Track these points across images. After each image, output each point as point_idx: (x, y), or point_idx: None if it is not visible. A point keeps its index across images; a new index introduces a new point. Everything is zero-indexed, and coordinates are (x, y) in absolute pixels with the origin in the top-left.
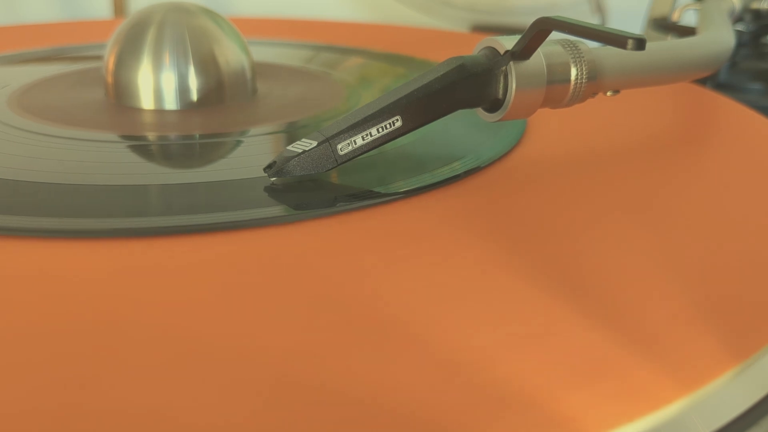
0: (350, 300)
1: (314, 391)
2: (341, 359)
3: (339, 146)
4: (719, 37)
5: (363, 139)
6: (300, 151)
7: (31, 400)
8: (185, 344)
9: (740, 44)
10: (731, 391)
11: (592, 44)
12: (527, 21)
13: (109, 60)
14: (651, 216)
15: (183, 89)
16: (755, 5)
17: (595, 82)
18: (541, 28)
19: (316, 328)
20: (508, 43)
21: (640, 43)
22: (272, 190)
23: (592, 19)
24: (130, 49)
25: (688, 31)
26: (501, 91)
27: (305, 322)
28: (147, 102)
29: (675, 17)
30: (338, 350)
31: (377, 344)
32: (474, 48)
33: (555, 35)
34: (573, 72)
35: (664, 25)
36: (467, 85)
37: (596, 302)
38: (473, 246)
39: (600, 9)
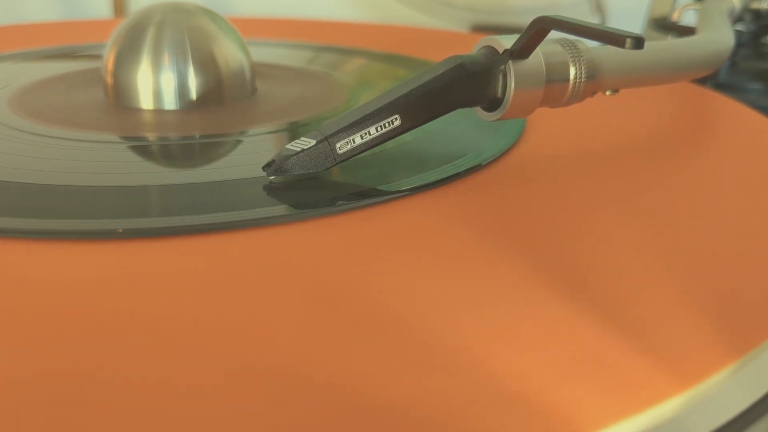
0: (351, 299)
1: (314, 391)
2: (342, 359)
3: (338, 145)
4: (718, 37)
5: (362, 137)
6: (299, 149)
7: (29, 400)
8: (185, 344)
9: (740, 44)
10: (730, 387)
11: (591, 44)
12: (527, 21)
13: (109, 60)
14: (650, 214)
15: (182, 89)
16: (755, 5)
17: (594, 81)
18: (540, 27)
19: (317, 327)
20: (506, 42)
21: (638, 42)
22: (271, 189)
23: (592, 19)
24: (129, 49)
25: (687, 31)
26: (500, 90)
27: (305, 321)
28: (146, 102)
29: (675, 17)
30: (339, 350)
31: (377, 343)
32: (473, 47)
33: (554, 34)
34: (572, 71)
35: (664, 25)
36: (466, 84)
37: (595, 299)
38: (473, 243)
39: (600, 9)
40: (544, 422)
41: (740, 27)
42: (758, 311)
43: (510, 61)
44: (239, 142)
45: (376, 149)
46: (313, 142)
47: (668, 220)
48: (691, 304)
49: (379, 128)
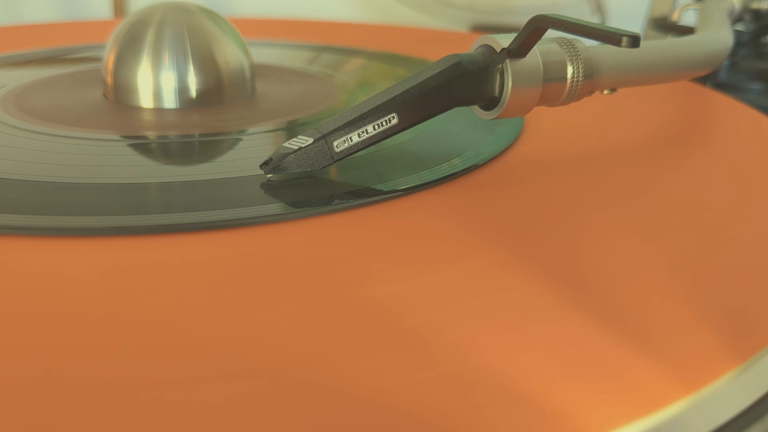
0: (348, 298)
1: (311, 390)
2: (338, 357)
3: (335, 143)
4: (717, 36)
5: (359, 136)
6: (296, 147)
7: (29, 399)
8: (183, 342)
9: (740, 44)
10: (731, 390)
11: (589, 43)
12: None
13: (109, 60)
14: (650, 214)
15: (182, 89)
16: (755, 5)
17: (592, 80)
18: (537, 26)
19: (314, 325)
20: (504, 41)
21: (634, 41)
22: (269, 187)
23: (592, 20)
24: (129, 48)
25: (687, 31)
26: (497, 89)
27: (302, 319)
28: (146, 101)
29: (675, 17)
30: (335, 348)
31: (375, 342)
32: (471, 46)
33: (552, 33)
34: (569, 70)
35: (664, 25)
36: (463, 82)
37: (596, 301)
38: (471, 243)
39: (600, 9)
40: (546, 425)
41: (740, 27)
42: (761, 314)
43: (507, 60)
44: (238, 140)
45: (373, 148)
46: (311, 140)
47: (669, 220)
48: (693, 306)
49: (376, 126)
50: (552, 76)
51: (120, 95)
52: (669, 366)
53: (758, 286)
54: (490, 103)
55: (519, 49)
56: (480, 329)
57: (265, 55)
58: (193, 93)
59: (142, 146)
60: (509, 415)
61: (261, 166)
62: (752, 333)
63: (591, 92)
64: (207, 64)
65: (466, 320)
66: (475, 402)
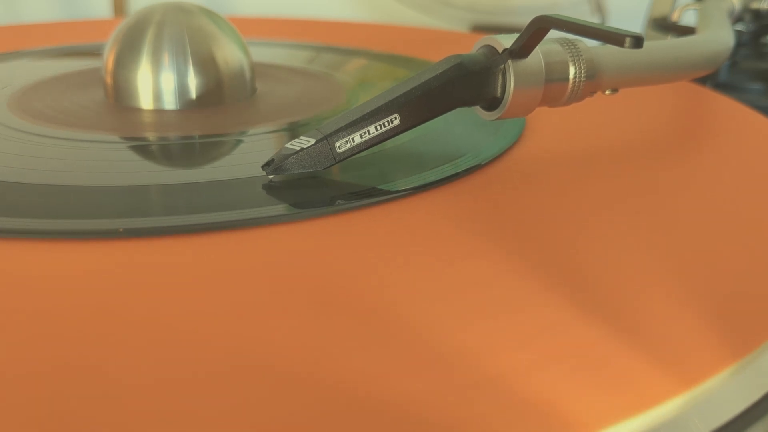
0: (351, 298)
1: (314, 390)
2: (342, 358)
3: (337, 144)
4: (718, 37)
5: (361, 137)
6: (298, 148)
7: (29, 401)
8: (185, 344)
9: (740, 44)
10: (730, 388)
11: (591, 43)
12: (527, 21)
13: (108, 60)
14: (650, 214)
15: (182, 89)
16: (755, 5)
17: (594, 80)
18: (539, 27)
19: (316, 326)
20: (506, 41)
21: (637, 41)
22: (271, 188)
23: (592, 19)
24: (129, 49)
25: (687, 31)
26: (499, 90)
27: (305, 320)
28: (146, 102)
29: (675, 17)
30: (338, 349)
31: (377, 342)
32: (472, 46)
33: (554, 34)
34: (571, 70)
35: (664, 25)
36: (465, 83)
37: (595, 299)
38: (473, 243)
39: (600, 9)
40: (544, 423)
41: (740, 27)
42: (759, 311)
43: (509, 61)
44: (239, 141)
45: (376, 148)
46: (313, 141)
47: (668, 220)
48: (691, 304)
49: (378, 127)
50: (554, 76)
51: (120, 96)
52: (667, 363)
53: (757, 285)
54: (492, 103)
55: (521, 50)
56: (482, 329)
57: (265, 54)
58: (193, 94)
59: (142, 148)
60: (506, 413)
61: (263, 167)
62: (751, 330)
63: (593, 93)
64: (207, 64)
65: (468, 320)
66: (472, 400)
